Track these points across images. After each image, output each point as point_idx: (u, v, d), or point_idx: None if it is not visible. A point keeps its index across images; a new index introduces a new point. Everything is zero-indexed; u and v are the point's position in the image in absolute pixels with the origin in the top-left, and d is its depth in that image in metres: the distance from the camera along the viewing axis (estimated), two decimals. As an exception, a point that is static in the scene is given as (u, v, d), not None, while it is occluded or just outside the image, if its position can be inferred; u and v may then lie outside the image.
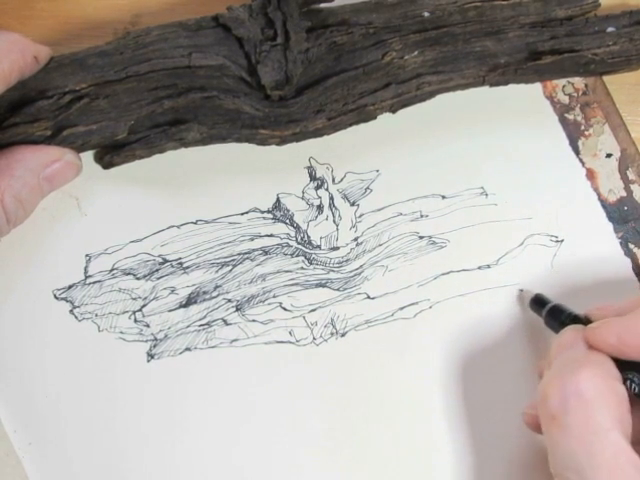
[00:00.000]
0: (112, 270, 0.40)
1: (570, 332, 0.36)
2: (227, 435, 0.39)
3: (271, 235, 0.41)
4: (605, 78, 0.44)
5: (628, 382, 0.34)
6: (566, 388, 0.32)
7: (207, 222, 0.41)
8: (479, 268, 0.42)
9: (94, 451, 0.38)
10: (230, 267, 0.41)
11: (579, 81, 0.44)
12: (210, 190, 0.41)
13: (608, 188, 0.43)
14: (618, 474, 0.30)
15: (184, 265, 0.41)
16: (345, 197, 0.42)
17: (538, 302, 0.40)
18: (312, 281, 0.41)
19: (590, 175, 0.43)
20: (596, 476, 0.30)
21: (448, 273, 0.41)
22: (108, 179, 0.40)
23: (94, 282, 0.40)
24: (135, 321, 0.40)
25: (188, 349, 0.40)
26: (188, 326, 0.40)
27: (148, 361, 0.39)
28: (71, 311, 0.39)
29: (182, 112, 0.39)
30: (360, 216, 0.42)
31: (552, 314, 0.39)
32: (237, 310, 0.40)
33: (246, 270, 0.41)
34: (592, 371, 0.32)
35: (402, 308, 0.41)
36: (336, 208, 0.42)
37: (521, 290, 0.41)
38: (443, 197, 0.42)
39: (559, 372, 0.33)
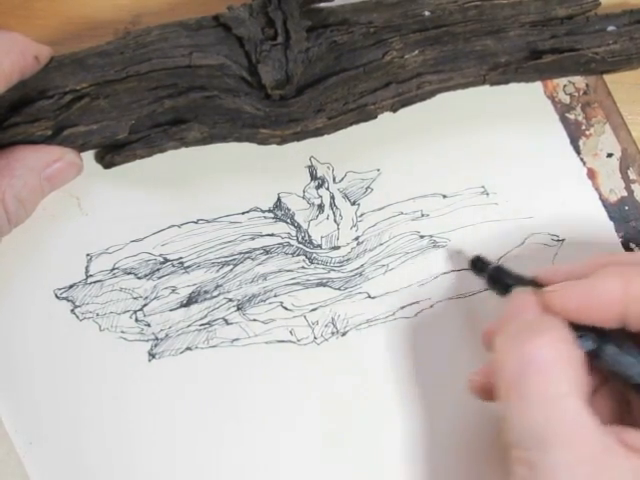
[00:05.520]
0: (113, 269, 0.40)
1: (521, 296, 0.34)
2: (228, 434, 0.39)
3: (272, 234, 0.41)
4: (606, 77, 0.44)
5: (580, 341, 0.33)
6: (523, 356, 0.31)
7: (208, 221, 0.41)
8: (480, 267, 0.42)
9: (95, 451, 0.38)
10: (231, 266, 0.41)
11: (580, 80, 0.44)
12: (211, 189, 0.41)
13: (609, 188, 0.43)
14: (577, 439, 0.30)
15: (185, 264, 0.40)
16: (346, 196, 0.42)
17: (478, 263, 0.39)
18: (313, 280, 0.41)
19: (591, 175, 0.43)
20: (556, 442, 0.30)
21: (449, 272, 0.41)
22: (109, 179, 0.40)
23: (95, 281, 0.40)
24: (136, 320, 0.40)
25: (189, 348, 0.40)
26: (189, 325, 0.40)
27: (149, 360, 0.39)
28: (72, 311, 0.39)
29: (183, 112, 0.39)
30: (361, 215, 0.42)
31: (495, 276, 0.37)
32: (238, 309, 0.40)
33: (247, 269, 0.41)
34: (549, 336, 0.31)
35: (403, 307, 0.41)
36: (337, 207, 0.42)
37: (459, 252, 0.40)
38: (444, 196, 0.42)
39: (514, 339, 0.32)
